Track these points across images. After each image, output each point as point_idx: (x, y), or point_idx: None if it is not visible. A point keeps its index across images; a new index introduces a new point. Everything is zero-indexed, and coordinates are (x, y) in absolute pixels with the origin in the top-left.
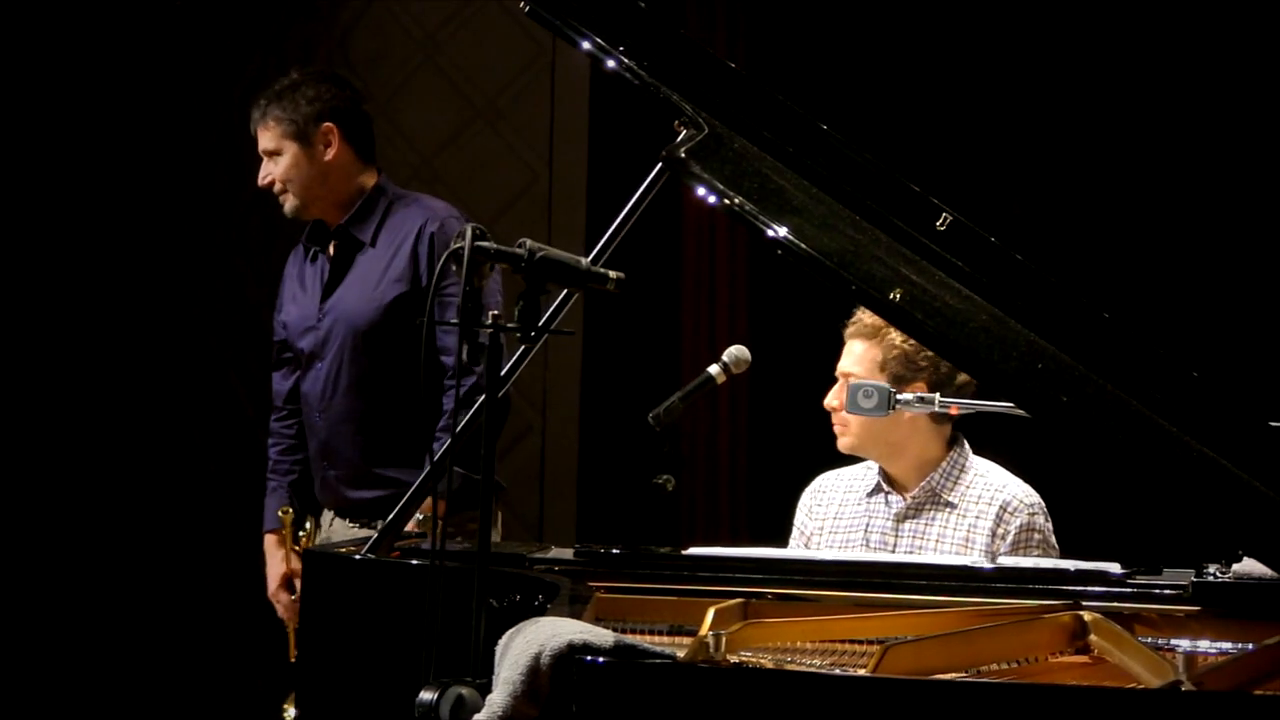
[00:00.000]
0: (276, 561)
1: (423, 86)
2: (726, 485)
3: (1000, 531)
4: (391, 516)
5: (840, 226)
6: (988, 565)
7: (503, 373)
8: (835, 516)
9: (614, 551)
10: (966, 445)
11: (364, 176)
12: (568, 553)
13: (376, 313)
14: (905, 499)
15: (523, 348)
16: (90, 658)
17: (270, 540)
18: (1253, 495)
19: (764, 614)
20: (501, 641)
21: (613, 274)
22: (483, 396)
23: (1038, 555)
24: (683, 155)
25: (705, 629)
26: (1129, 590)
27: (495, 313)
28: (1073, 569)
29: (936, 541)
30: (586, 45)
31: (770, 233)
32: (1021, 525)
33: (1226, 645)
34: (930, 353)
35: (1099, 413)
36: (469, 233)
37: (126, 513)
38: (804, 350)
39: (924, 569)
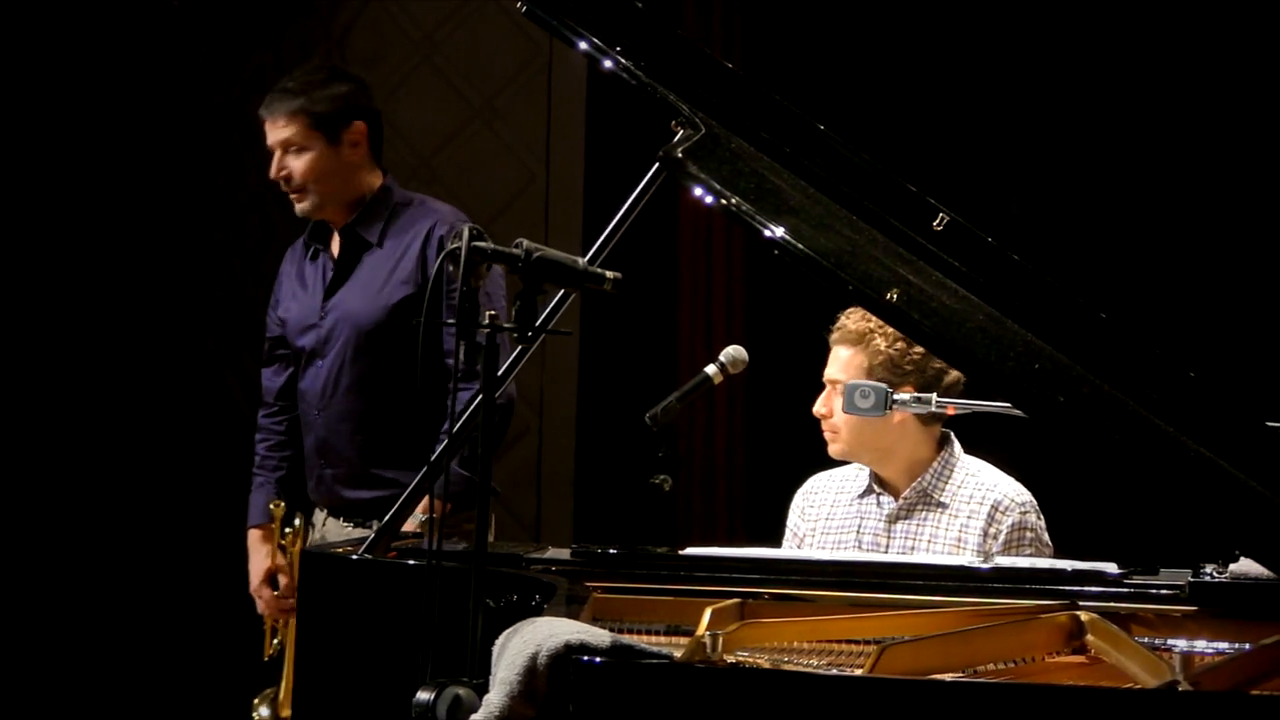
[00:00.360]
0: (260, 557)
1: (420, 86)
2: (723, 485)
3: (992, 531)
4: (388, 517)
5: (837, 226)
6: (984, 565)
7: (500, 373)
8: (827, 518)
9: (611, 551)
10: (957, 445)
11: (373, 177)
12: (565, 553)
13: (382, 313)
14: (897, 500)
15: (520, 348)
16: (82, 654)
17: (254, 535)
18: (1250, 495)
19: (761, 614)
20: (498, 641)
21: (610, 274)
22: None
23: (1031, 554)
24: (680, 155)
25: (702, 629)
26: (1126, 590)
27: (492, 313)
28: (1069, 569)
29: (929, 542)
30: (584, 45)
31: (767, 233)
32: (1014, 524)
33: (1223, 645)
34: (916, 356)
35: (1096, 413)
36: (465, 233)
37: (121, 510)
38: (801, 350)
39: (920, 569)
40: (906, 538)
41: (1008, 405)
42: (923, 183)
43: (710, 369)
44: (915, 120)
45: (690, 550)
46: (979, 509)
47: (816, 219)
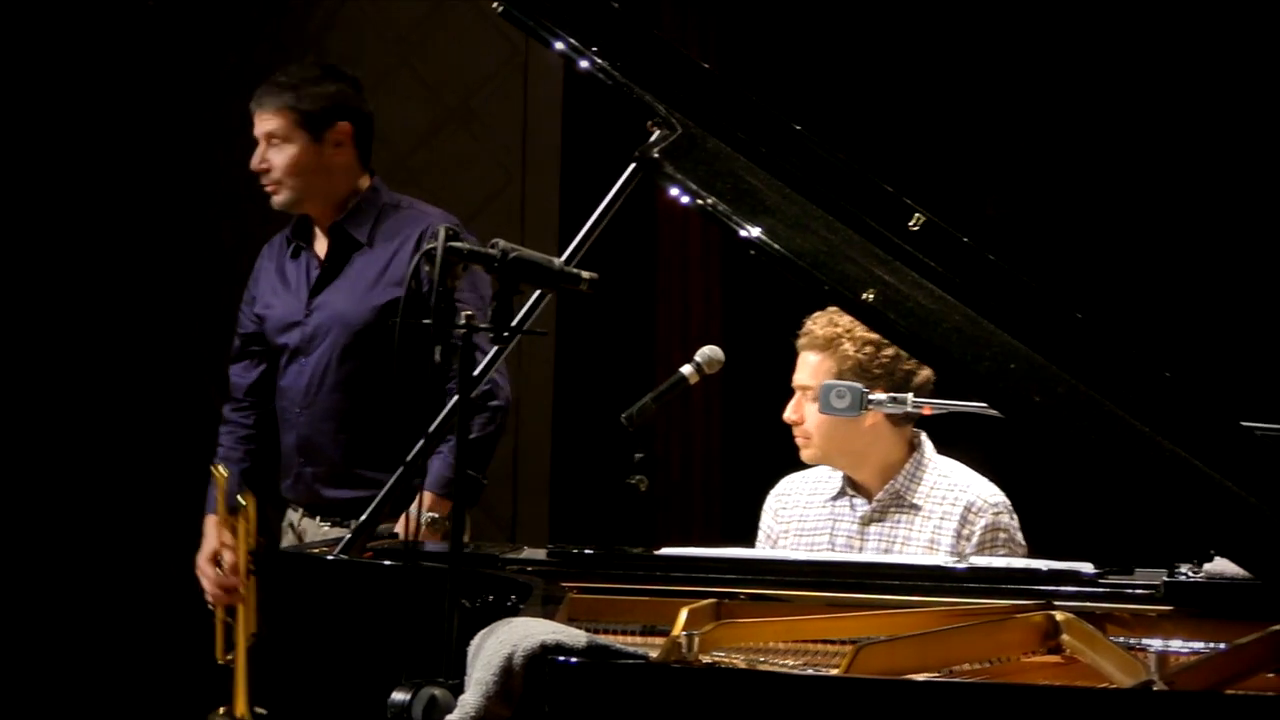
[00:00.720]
0: (212, 538)
1: (396, 87)
2: (700, 485)
3: (965, 533)
4: (364, 517)
5: (813, 227)
6: (960, 565)
7: (475, 372)
8: (800, 520)
9: (587, 552)
10: (929, 446)
11: (360, 178)
12: (541, 553)
13: (371, 314)
14: (870, 503)
15: (495, 348)
16: (51, 654)
17: (212, 519)
18: (1224, 495)
19: (737, 614)
20: (474, 642)
21: (586, 274)
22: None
23: (1004, 555)
24: (656, 155)
25: (678, 629)
26: (1101, 590)
27: (469, 313)
28: (1045, 569)
29: (902, 544)
30: (560, 46)
31: (743, 233)
32: (986, 525)
33: (1198, 645)
34: (885, 359)
35: (1072, 413)
36: (442, 233)
37: (96, 513)
38: (777, 351)
39: (896, 569)
40: (880, 540)
41: (984, 405)
42: (899, 183)
43: (686, 369)
44: (891, 120)
45: (666, 550)
46: (952, 510)
47: (793, 219)
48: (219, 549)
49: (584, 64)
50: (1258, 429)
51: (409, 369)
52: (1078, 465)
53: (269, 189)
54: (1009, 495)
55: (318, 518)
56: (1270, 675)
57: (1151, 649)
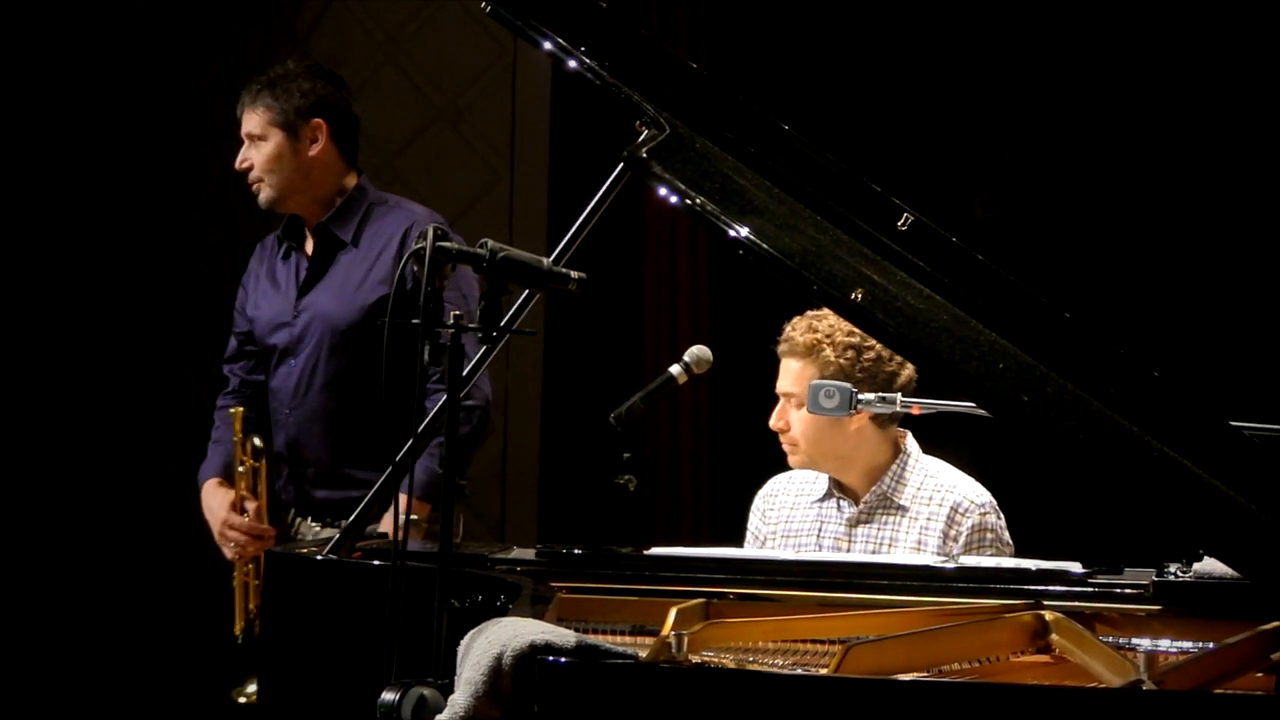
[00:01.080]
0: (220, 498)
1: (384, 87)
2: (688, 485)
3: (952, 534)
4: (353, 517)
5: (802, 227)
6: (949, 565)
7: (464, 373)
8: (787, 520)
9: (576, 552)
10: (914, 446)
11: (346, 177)
12: (530, 553)
13: (357, 313)
14: (857, 505)
15: (484, 348)
16: (47, 648)
17: (211, 484)
18: (1213, 495)
19: (726, 614)
20: (463, 642)
21: (574, 274)
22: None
23: (992, 555)
24: (644, 155)
25: (667, 629)
26: (1090, 590)
27: (457, 313)
28: (1034, 568)
29: (890, 546)
30: (548, 45)
31: (732, 233)
32: (973, 526)
33: (1187, 644)
34: (867, 363)
35: (1060, 412)
36: (430, 233)
37: (83, 510)
38: (765, 351)
39: (886, 569)
40: (868, 542)
41: (972, 405)
42: (887, 183)
43: (675, 369)
44: (880, 121)
45: (655, 550)
46: (938, 511)
47: (781, 219)
48: (237, 500)
49: (572, 64)
50: (1246, 429)
51: (397, 369)
52: (1066, 465)
53: (253, 187)
54: (997, 495)
55: (309, 518)
56: (1258, 674)
57: (1140, 648)
